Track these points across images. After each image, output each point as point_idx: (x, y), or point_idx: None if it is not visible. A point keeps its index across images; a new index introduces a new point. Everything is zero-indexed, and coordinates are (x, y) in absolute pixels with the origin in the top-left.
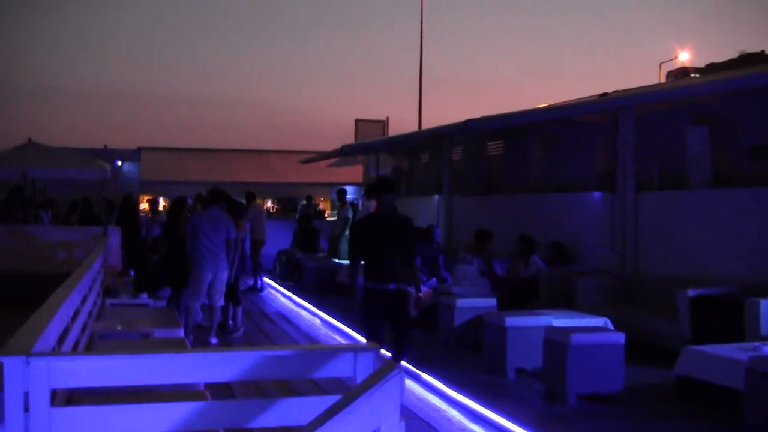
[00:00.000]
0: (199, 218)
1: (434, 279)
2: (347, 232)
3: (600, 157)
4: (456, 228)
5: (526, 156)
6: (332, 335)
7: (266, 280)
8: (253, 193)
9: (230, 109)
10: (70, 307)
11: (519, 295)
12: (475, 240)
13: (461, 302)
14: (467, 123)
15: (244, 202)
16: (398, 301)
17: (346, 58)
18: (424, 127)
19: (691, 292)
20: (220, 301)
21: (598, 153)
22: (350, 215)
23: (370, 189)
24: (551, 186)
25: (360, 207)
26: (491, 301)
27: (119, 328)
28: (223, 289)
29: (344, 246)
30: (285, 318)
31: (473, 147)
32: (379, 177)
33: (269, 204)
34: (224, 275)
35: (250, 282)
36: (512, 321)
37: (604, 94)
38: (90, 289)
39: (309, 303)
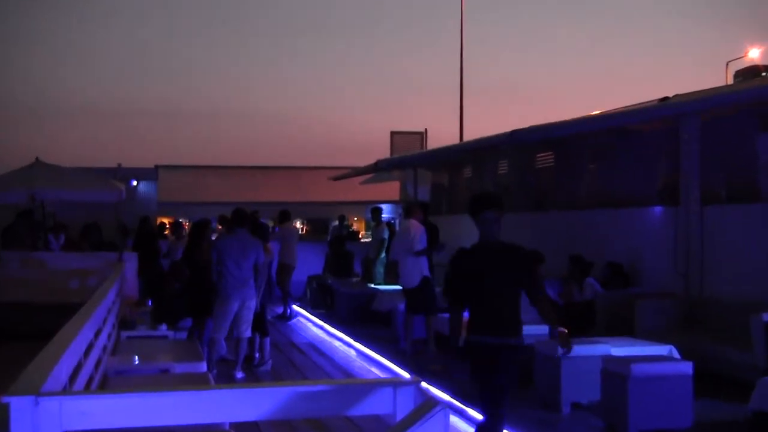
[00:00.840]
0: (224, 242)
1: None
2: (383, 255)
3: (660, 168)
4: None
5: (579, 168)
6: (369, 368)
7: (296, 308)
8: (288, 212)
9: (254, 123)
10: (83, 341)
11: (573, 321)
12: None
13: None
14: (513, 134)
15: (269, 222)
16: (511, 359)
17: (380, 66)
18: (466, 138)
19: (765, 317)
20: (247, 333)
21: (658, 164)
22: (386, 236)
23: (411, 207)
24: (607, 201)
25: (397, 227)
26: (543, 329)
27: (136, 362)
28: (251, 319)
29: (380, 270)
30: (317, 349)
31: (520, 160)
32: (478, 193)
33: (298, 224)
34: (252, 304)
35: (279, 310)
36: None
37: (665, 99)
38: (104, 321)
39: (343, 333)
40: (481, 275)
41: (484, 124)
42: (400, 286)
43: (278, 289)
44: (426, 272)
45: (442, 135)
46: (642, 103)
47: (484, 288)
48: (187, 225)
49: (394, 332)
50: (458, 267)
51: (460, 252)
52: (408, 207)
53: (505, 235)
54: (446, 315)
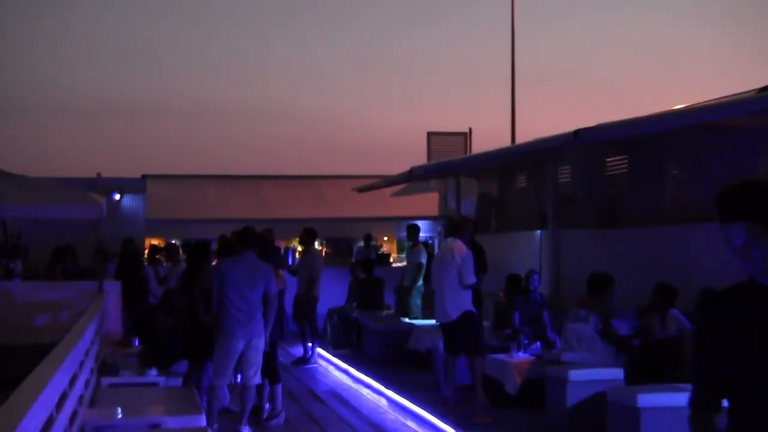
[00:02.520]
0: (228, 268)
1: (538, 343)
2: (420, 282)
3: (763, 172)
4: (565, 273)
5: (660, 175)
6: (404, 421)
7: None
8: (314, 231)
9: (262, 124)
10: (55, 390)
11: (654, 363)
12: (589, 289)
13: (575, 374)
14: (579, 133)
15: (292, 245)
16: None
17: (414, 56)
18: (519, 140)
19: None
20: (256, 379)
21: (760, 167)
22: (424, 260)
23: (461, 224)
24: (695, 214)
25: (436, 248)
26: (616, 373)
27: (120, 416)
28: (260, 361)
29: (416, 300)
30: (340, 398)
31: (587, 165)
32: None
33: (316, 245)
34: (261, 343)
35: (294, 352)
36: (647, 399)
37: (765, 89)
38: (81, 366)
39: (372, 378)
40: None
41: (540, 123)
42: (436, 320)
43: (294, 324)
44: (468, 305)
45: (490, 136)
46: (737, 94)
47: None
48: (180, 249)
49: (435, 377)
50: (708, 330)
51: (710, 298)
52: (457, 224)
53: (569, 258)
54: (499, 356)
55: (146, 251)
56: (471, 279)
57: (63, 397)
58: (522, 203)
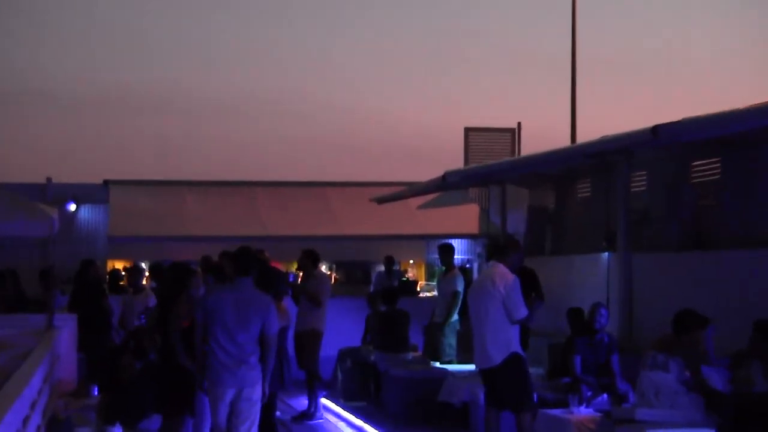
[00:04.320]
0: (216, 299)
1: (605, 395)
2: (455, 317)
3: None
4: (639, 308)
5: (762, 183)
6: None
7: (322, 400)
8: (315, 254)
9: (254, 117)
10: None
11: (750, 420)
12: (675, 329)
13: None
14: (658, 130)
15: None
16: None
17: (450, 41)
18: (582, 139)
19: None
20: None
21: None
22: (461, 288)
23: (508, 245)
24: None
25: (475, 273)
26: None
27: None
28: (255, 417)
29: (450, 341)
30: None
31: (667, 171)
32: None
33: (323, 269)
34: (255, 394)
35: (297, 404)
36: None
37: None
38: (25, 423)
39: None
40: None
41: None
42: (475, 365)
43: (298, 367)
44: (515, 346)
45: (544, 133)
46: None
47: None
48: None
49: None
50: None
51: None
52: (503, 246)
53: (645, 288)
54: (555, 412)
55: (107, 277)
56: (522, 311)
57: None
58: (585, 219)
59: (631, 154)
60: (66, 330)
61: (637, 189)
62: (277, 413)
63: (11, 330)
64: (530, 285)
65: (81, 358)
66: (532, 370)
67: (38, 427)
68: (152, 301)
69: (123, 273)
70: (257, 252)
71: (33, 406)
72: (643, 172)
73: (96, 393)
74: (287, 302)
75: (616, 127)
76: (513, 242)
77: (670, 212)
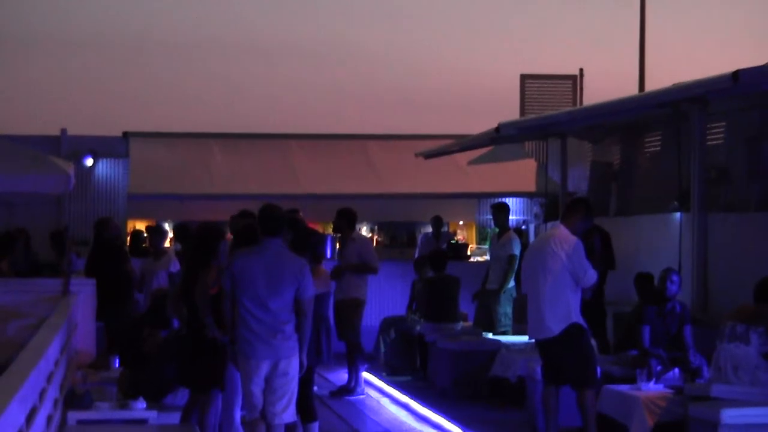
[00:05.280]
0: (243, 264)
1: (676, 370)
2: (512, 283)
3: None
4: (715, 274)
5: None
6: None
7: (365, 375)
8: (351, 213)
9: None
10: (6, 430)
11: None
12: (756, 297)
13: (730, 415)
14: (738, 76)
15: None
16: None
17: None
18: (652, 86)
19: None
20: (286, 416)
21: None
22: (516, 251)
23: (573, 207)
24: None
25: (532, 235)
26: None
27: None
28: (293, 392)
29: (505, 309)
30: None
31: (748, 123)
32: None
33: (364, 232)
34: (292, 367)
35: (336, 378)
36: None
37: None
38: (41, 397)
39: (441, 416)
40: None
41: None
42: (530, 336)
43: (339, 338)
44: (576, 315)
45: (609, 80)
46: None
47: None
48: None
49: (530, 416)
50: None
51: None
52: (567, 206)
53: (722, 252)
54: (622, 388)
55: (128, 238)
56: (591, 275)
57: None
58: (654, 175)
59: (708, 103)
60: (83, 296)
61: (713, 142)
62: (314, 388)
63: (24, 296)
64: (605, 248)
65: (100, 327)
66: (595, 342)
67: (55, 401)
68: (175, 265)
69: (145, 234)
70: (291, 211)
71: (49, 378)
72: (721, 124)
73: (117, 365)
74: (327, 266)
75: (690, 74)
76: (581, 206)
77: (751, 168)
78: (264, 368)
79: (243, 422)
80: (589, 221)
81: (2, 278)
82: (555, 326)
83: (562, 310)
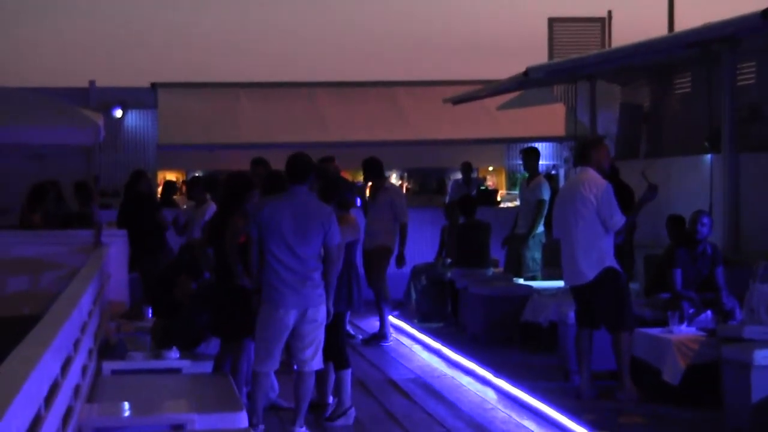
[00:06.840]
0: (270, 211)
1: (709, 312)
2: (541, 228)
3: None
4: (747, 216)
5: None
6: (518, 420)
7: (394, 320)
8: (376, 162)
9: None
10: (42, 380)
11: None
12: None
13: (764, 356)
14: None
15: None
16: None
17: None
18: (681, 27)
19: None
20: (315, 363)
21: None
22: (546, 196)
23: (593, 146)
24: None
25: (562, 180)
26: None
27: (129, 413)
28: (320, 339)
29: (535, 255)
30: (430, 390)
31: None
32: None
33: (394, 179)
34: (320, 315)
35: (365, 326)
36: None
37: None
38: (76, 347)
39: (473, 362)
40: None
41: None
42: (565, 282)
43: (369, 286)
44: (610, 260)
45: (638, 22)
46: None
47: None
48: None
49: (563, 360)
50: None
51: None
52: (583, 146)
53: (754, 193)
54: (654, 331)
55: (159, 189)
56: (619, 218)
57: (53, 389)
58: (684, 116)
59: (738, 42)
60: (115, 247)
61: (744, 82)
62: (350, 332)
63: (56, 248)
64: (625, 199)
65: (133, 278)
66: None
67: (90, 351)
68: (210, 212)
69: (176, 186)
70: (326, 159)
71: (83, 328)
72: (752, 63)
73: (150, 315)
74: (357, 214)
75: (720, 14)
76: (593, 141)
77: None
78: (292, 316)
79: (254, 373)
80: (609, 156)
81: (35, 230)
82: (589, 272)
83: (596, 255)
